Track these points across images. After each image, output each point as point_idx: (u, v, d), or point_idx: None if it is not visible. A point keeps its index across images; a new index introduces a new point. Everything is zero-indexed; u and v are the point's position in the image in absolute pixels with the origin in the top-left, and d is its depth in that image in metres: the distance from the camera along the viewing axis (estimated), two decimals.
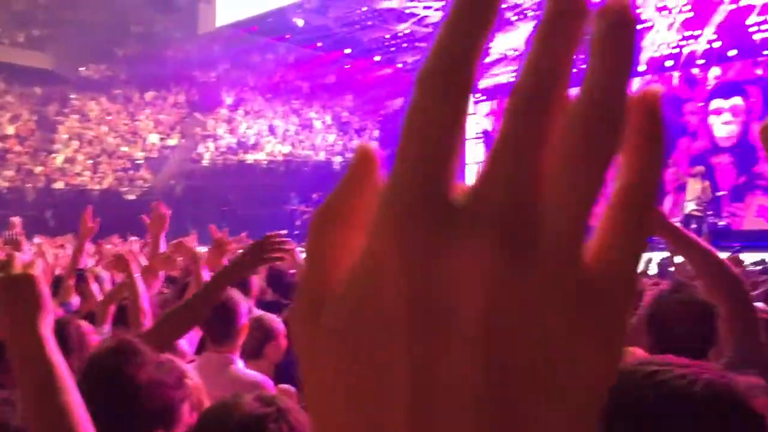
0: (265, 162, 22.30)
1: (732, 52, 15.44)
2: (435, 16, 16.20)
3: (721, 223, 13.44)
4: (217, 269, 3.49)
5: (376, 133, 24.03)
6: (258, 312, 3.68)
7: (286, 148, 22.92)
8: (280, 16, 16.99)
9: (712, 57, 15.85)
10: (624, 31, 0.23)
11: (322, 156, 23.19)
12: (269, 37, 18.51)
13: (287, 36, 18.21)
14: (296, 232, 17.81)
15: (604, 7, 0.23)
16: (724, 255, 6.34)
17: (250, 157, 22.28)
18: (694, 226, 13.00)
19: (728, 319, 1.87)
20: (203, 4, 21.76)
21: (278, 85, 23.64)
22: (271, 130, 23.41)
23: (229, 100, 23.88)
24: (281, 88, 23.95)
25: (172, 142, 22.57)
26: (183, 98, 24.05)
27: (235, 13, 17.79)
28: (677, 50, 16.39)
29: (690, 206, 13.09)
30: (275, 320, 3.08)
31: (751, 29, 14.97)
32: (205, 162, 21.94)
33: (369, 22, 17.07)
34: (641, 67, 17.31)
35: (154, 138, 22.35)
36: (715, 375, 0.73)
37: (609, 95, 0.23)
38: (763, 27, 14.89)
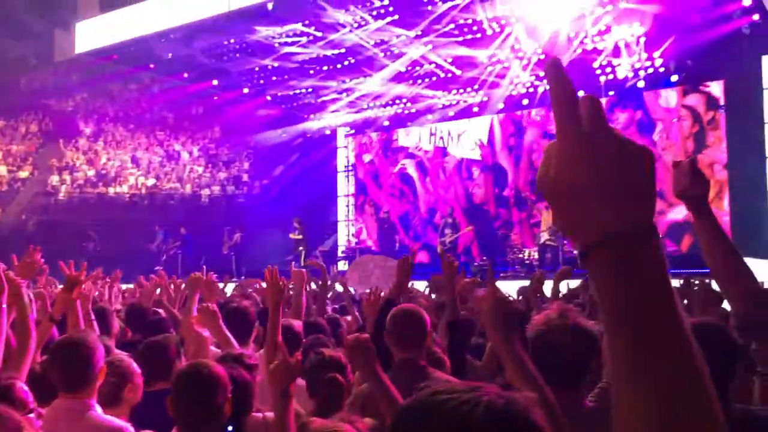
0: (128, 195, 21.37)
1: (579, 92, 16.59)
2: (304, 50, 16.34)
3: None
4: (68, 307, 3.32)
5: (246, 165, 23.73)
6: (119, 353, 3.52)
7: (151, 181, 22.10)
8: (144, 45, 16.50)
9: None
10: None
11: (188, 189, 22.56)
12: (131, 66, 17.89)
13: (151, 65, 17.69)
14: (157, 267, 17.11)
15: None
16: (577, 282, 6.77)
17: (111, 191, 21.28)
18: (549, 255, 13.79)
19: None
20: (60, 30, 20.72)
21: (142, 115, 22.85)
22: (134, 161, 22.52)
23: (87, 130, 22.75)
24: (145, 119, 23.15)
25: (24, 174, 21.14)
26: (36, 128, 22.65)
27: (94, 41, 17.08)
28: (532, 89, 17.47)
29: (544, 236, 13.90)
30: (131, 363, 2.96)
31: (597, 71, 16.25)
32: (62, 195, 20.71)
33: (237, 54, 16.92)
34: (500, 105, 18.30)
35: (1, 170, 20.84)
36: (495, 395, 0.78)
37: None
38: (607, 70, 16.20)
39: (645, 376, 0.64)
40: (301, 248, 17.16)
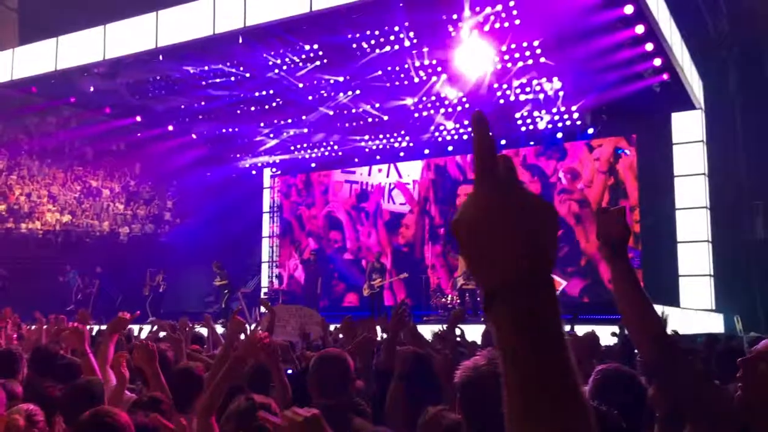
0: (41, 232, 20.49)
1: (501, 142, 17.19)
2: (231, 90, 16.26)
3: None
4: None
5: (169, 203, 23.21)
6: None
7: (66, 218, 21.28)
8: (65, 79, 16.05)
9: None
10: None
11: (106, 227, 21.83)
12: (51, 99, 17.34)
13: (72, 99, 17.19)
14: (69, 308, 16.45)
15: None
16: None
17: (23, 227, 20.36)
18: (468, 299, 14.01)
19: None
20: None
21: (60, 149, 22.10)
22: (50, 197, 21.67)
23: (1, 164, 21.80)
24: (63, 154, 22.40)
25: None
26: None
27: (10, 72, 16.51)
28: (457, 136, 17.91)
29: (459, 281, 14.17)
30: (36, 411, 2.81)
31: (518, 122, 16.83)
32: None
33: (162, 91, 16.67)
34: (426, 151, 18.66)
35: None
36: None
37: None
38: (528, 121, 16.80)
39: (534, 424, 0.70)
40: (226, 291, 16.85)
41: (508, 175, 0.75)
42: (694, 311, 14.58)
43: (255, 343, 3.07)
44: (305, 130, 18.53)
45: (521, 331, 0.71)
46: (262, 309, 16.89)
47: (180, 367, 3.55)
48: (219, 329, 8.70)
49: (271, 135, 18.93)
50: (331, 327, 9.94)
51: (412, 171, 19.10)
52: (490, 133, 0.75)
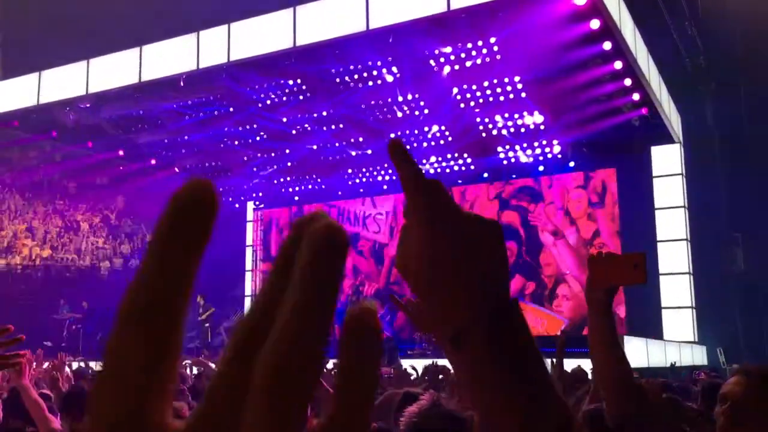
0: (20, 267, 20.23)
1: (484, 174, 17.33)
2: (214, 121, 16.29)
3: None
4: None
5: (150, 237, 23.04)
6: None
7: (46, 252, 21.05)
8: (46, 113, 16.02)
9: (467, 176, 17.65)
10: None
11: (87, 261, 21.60)
12: (32, 133, 17.27)
13: (54, 133, 17.14)
14: (63, 344, 16.27)
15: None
16: None
17: (2, 261, 20.09)
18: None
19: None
20: None
21: (41, 184, 21.93)
22: (30, 231, 21.44)
23: None
24: (44, 188, 22.23)
25: None
26: None
27: None
28: (440, 170, 18.02)
29: None
30: None
31: (500, 155, 16.98)
32: None
33: (145, 125, 16.67)
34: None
35: None
36: None
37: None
38: (510, 154, 16.96)
39: None
40: (207, 325, 16.64)
41: (443, 201, 0.68)
42: (678, 343, 14.62)
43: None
44: (289, 164, 18.57)
45: (499, 360, 0.66)
46: None
47: None
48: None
49: (255, 169, 18.94)
50: None
51: (393, 204, 19.16)
52: (412, 159, 0.68)
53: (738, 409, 1.91)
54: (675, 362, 8.36)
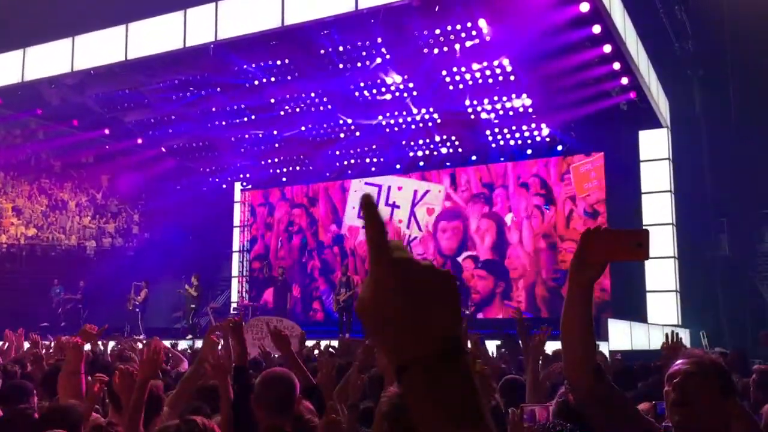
0: (5, 246, 20.08)
1: (472, 157, 17.32)
2: (201, 101, 16.16)
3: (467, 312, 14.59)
4: None
5: (136, 217, 22.92)
6: None
7: (31, 231, 20.89)
8: (31, 90, 15.83)
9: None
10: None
11: (73, 240, 21.47)
12: (17, 111, 17.06)
13: (39, 111, 16.94)
14: (62, 324, 16.27)
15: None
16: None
17: None
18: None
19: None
20: None
21: (26, 162, 21.71)
22: (15, 210, 21.25)
23: None
24: (29, 166, 22.00)
25: None
26: None
27: None
28: (428, 152, 18.01)
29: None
30: None
31: (489, 138, 16.96)
32: None
33: (132, 104, 16.51)
34: (397, 166, 18.69)
35: None
36: None
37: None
38: (498, 137, 16.95)
39: None
40: (193, 306, 16.53)
41: (401, 255, 0.76)
42: (662, 326, 14.76)
43: (151, 360, 3.08)
44: (276, 145, 18.47)
45: (436, 402, 0.73)
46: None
47: None
48: (183, 345, 8.58)
49: (242, 149, 18.83)
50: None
51: (387, 184, 19.12)
52: (379, 214, 0.77)
53: (685, 386, 1.90)
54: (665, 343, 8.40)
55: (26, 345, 7.49)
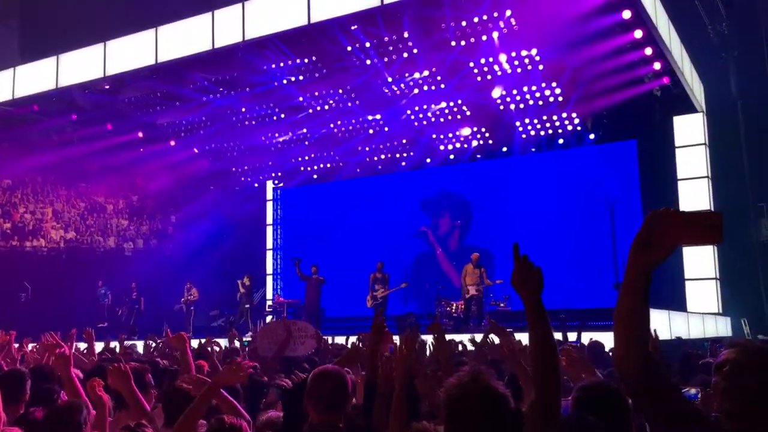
0: (45, 249, 20.53)
1: (503, 149, 17.15)
2: (232, 101, 16.30)
3: (502, 304, 14.48)
4: None
5: (173, 218, 23.23)
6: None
7: (71, 234, 21.32)
8: (67, 95, 16.12)
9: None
10: None
11: (112, 242, 21.86)
12: (53, 116, 17.38)
13: (73, 116, 17.24)
14: (103, 324, 16.60)
15: None
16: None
17: (27, 244, 20.39)
18: (474, 307, 13.97)
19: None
20: None
21: (62, 167, 22.14)
22: (54, 214, 21.70)
23: (6, 182, 21.86)
24: (66, 171, 22.43)
25: None
26: None
27: (11, 91, 16.59)
28: (458, 145, 17.91)
29: (471, 290, 14.12)
30: None
31: (519, 128, 16.79)
32: None
33: (164, 106, 16.72)
34: (428, 160, 18.58)
35: None
36: None
37: None
38: (528, 127, 16.74)
39: None
40: (247, 305, 16.81)
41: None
42: (701, 315, 14.50)
43: (237, 370, 3.14)
44: (306, 142, 18.56)
45: None
46: (268, 320, 16.88)
47: (173, 387, 3.50)
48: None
49: (273, 148, 18.96)
50: (340, 339, 9.91)
51: (415, 180, 19.06)
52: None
53: (735, 373, 1.88)
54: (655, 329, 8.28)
55: (81, 345, 7.70)
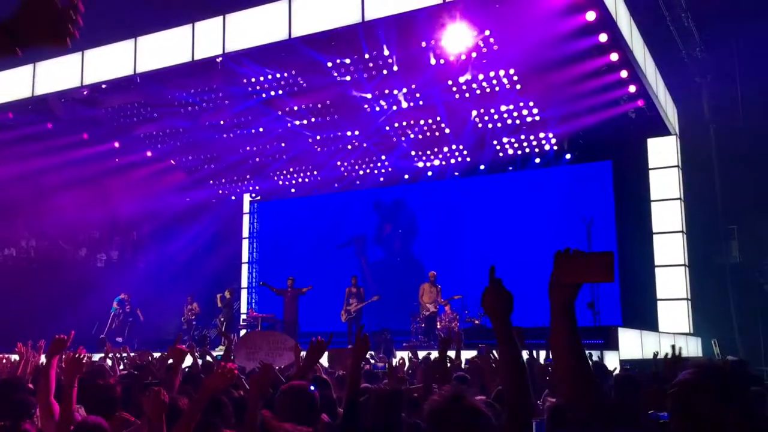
0: (15, 258, 20.21)
1: (480, 167, 17.28)
2: (209, 113, 16.23)
3: (477, 321, 14.52)
4: None
5: (148, 230, 23.00)
6: None
7: (42, 243, 21.00)
8: (41, 104, 15.94)
9: None
10: None
11: (83, 253, 21.57)
12: (27, 125, 17.15)
13: (49, 125, 17.03)
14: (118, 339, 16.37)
15: None
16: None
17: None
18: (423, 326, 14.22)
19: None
20: None
21: (37, 175, 21.82)
22: (26, 223, 21.38)
23: None
24: (40, 179, 22.10)
25: None
26: None
27: None
28: (428, 163, 18.00)
29: (430, 308, 14.30)
30: None
31: (496, 147, 16.92)
32: None
33: (141, 117, 16.59)
34: (406, 176, 18.65)
35: None
36: None
37: None
38: (506, 147, 16.90)
39: None
40: (223, 319, 16.76)
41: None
42: (672, 335, 14.66)
43: (225, 375, 3.06)
44: (284, 156, 18.53)
45: None
46: (242, 334, 16.73)
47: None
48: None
49: (250, 161, 18.90)
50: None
51: (394, 194, 19.10)
52: None
53: (682, 394, 1.94)
54: (657, 352, 8.40)
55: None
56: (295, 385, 3.12)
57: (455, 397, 2.04)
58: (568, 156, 16.80)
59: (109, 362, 8.16)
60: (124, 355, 8.40)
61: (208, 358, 8.65)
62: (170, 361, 4.81)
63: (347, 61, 13.64)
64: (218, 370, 3.12)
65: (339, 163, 18.62)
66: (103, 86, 15.05)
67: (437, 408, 2.03)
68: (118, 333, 17.11)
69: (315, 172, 19.51)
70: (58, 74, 15.53)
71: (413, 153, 17.75)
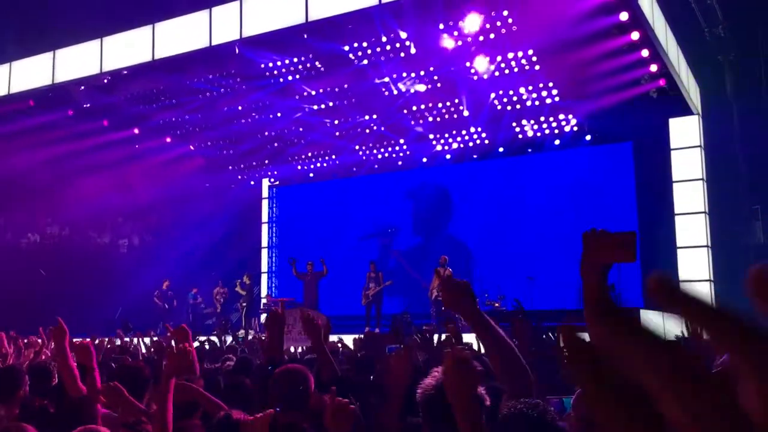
0: (40, 244, 20.48)
1: (500, 149, 17.16)
2: (228, 98, 16.27)
3: (497, 304, 14.49)
4: None
5: (169, 215, 23.17)
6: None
7: (65, 230, 21.26)
8: (61, 92, 16.06)
9: None
10: None
11: (106, 239, 21.81)
12: (47, 112, 17.31)
13: (70, 112, 17.18)
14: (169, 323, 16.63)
15: None
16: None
17: (22, 241, 20.33)
18: (444, 308, 14.07)
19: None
20: None
21: (58, 162, 22.04)
22: (49, 210, 21.63)
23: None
24: (61, 166, 22.32)
25: None
26: None
27: (7, 86, 16.53)
28: (447, 146, 17.92)
29: (435, 293, 14.29)
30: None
31: (515, 129, 16.80)
32: None
33: (160, 104, 16.67)
34: (424, 159, 18.59)
35: None
36: None
37: None
38: (525, 128, 16.75)
39: None
40: (244, 304, 16.93)
41: None
42: None
43: (180, 355, 2.74)
44: (302, 141, 18.54)
45: None
46: (263, 318, 16.86)
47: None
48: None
49: (269, 146, 18.93)
50: (333, 338, 9.91)
51: (409, 179, 19.05)
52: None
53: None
54: (681, 334, 8.32)
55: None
56: (290, 368, 3.13)
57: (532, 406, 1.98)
58: (588, 137, 16.63)
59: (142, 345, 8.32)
60: (146, 339, 8.50)
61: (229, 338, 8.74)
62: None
63: (364, 44, 13.58)
64: (172, 351, 2.77)
65: (357, 147, 18.59)
66: (124, 72, 15.12)
67: (430, 390, 2.01)
68: (184, 320, 17.34)
69: (333, 157, 19.51)
70: (77, 62, 15.64)
71: (431, 136, 17.68)
